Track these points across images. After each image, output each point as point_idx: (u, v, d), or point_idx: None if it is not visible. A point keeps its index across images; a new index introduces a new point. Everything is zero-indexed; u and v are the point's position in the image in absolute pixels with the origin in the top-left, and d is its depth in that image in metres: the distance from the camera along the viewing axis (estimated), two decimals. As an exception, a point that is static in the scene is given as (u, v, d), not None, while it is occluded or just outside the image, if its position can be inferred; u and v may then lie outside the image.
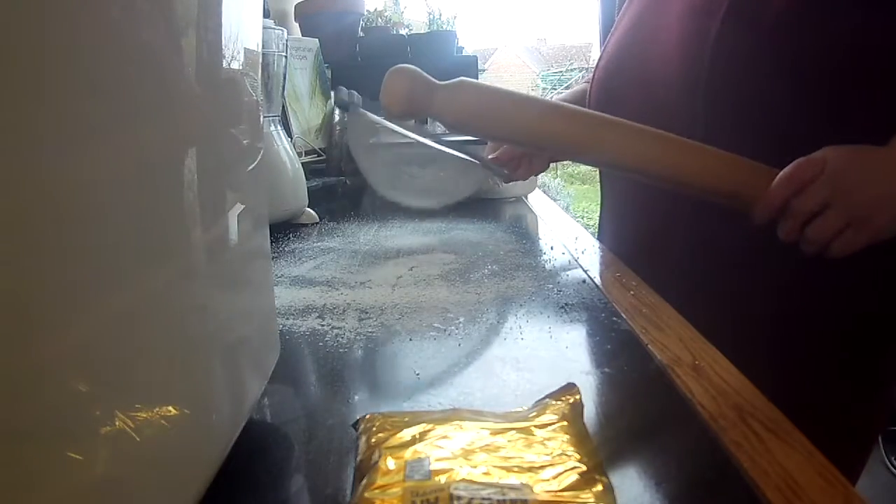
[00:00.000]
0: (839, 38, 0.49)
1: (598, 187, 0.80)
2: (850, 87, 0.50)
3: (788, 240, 0.48)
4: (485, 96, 0.48)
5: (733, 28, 0.53)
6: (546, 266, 0.60)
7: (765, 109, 0.52)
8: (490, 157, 0.71)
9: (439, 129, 1.22)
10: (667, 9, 0.60)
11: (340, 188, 1.14)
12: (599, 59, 0.70)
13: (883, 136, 0.47)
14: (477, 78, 1.42)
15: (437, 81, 0.49)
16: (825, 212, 0.46)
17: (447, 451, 0.25)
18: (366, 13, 1.55)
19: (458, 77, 0.50)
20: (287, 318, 0.48)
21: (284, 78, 0.81)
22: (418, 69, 0.49)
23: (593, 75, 0.70)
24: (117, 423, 0.18)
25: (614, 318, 0.46)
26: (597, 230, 0.79)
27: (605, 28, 0.80)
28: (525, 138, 0.50)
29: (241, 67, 0.27)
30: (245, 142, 0.29)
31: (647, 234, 0.65)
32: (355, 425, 0.29)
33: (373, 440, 0.27)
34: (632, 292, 0.52)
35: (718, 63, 0.54)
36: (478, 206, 0.92)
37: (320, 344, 0.43)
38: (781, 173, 0.46)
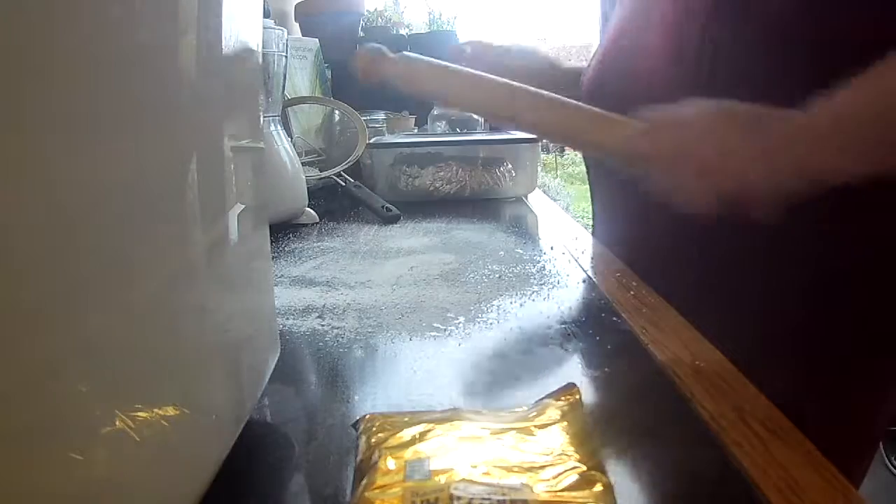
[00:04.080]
0: (839, 31, 0.49)
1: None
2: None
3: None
4: (417, 66, 0.57)
5: (724, 25, 0.52)
6: (546, 266, 0.60)
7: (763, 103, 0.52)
8: None
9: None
10: (653, 9, 0.59)
11: (340, 188, 1.14)
12: (588, 66, 0.70)
13: None
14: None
15: (392, 54, 0.57)
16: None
17: (447, 451, 0.25)
18: (366, 13, 1.55)
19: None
20: (287, 318, 0.48)
21: (284, 78, 0.81)
22: (379, 46, 0.57)
23: (583, 81, 0.70)
24: (117, 423, 0.18)
25: (614, 318, 0.46)
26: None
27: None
28: (448, 101, 0.60)
29: (241, 67, 0.27)
30: (245, 142, 0.29)
31: (643, 232, 0.65)
32: (355, 425, 0.29)
33: (373, 440, 0.27)
34: (632, 292, 0.52)
35: (712, 61, 0.53)
36: (478, 206, 0.92)
37: (320, 344, 0.43)
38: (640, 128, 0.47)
